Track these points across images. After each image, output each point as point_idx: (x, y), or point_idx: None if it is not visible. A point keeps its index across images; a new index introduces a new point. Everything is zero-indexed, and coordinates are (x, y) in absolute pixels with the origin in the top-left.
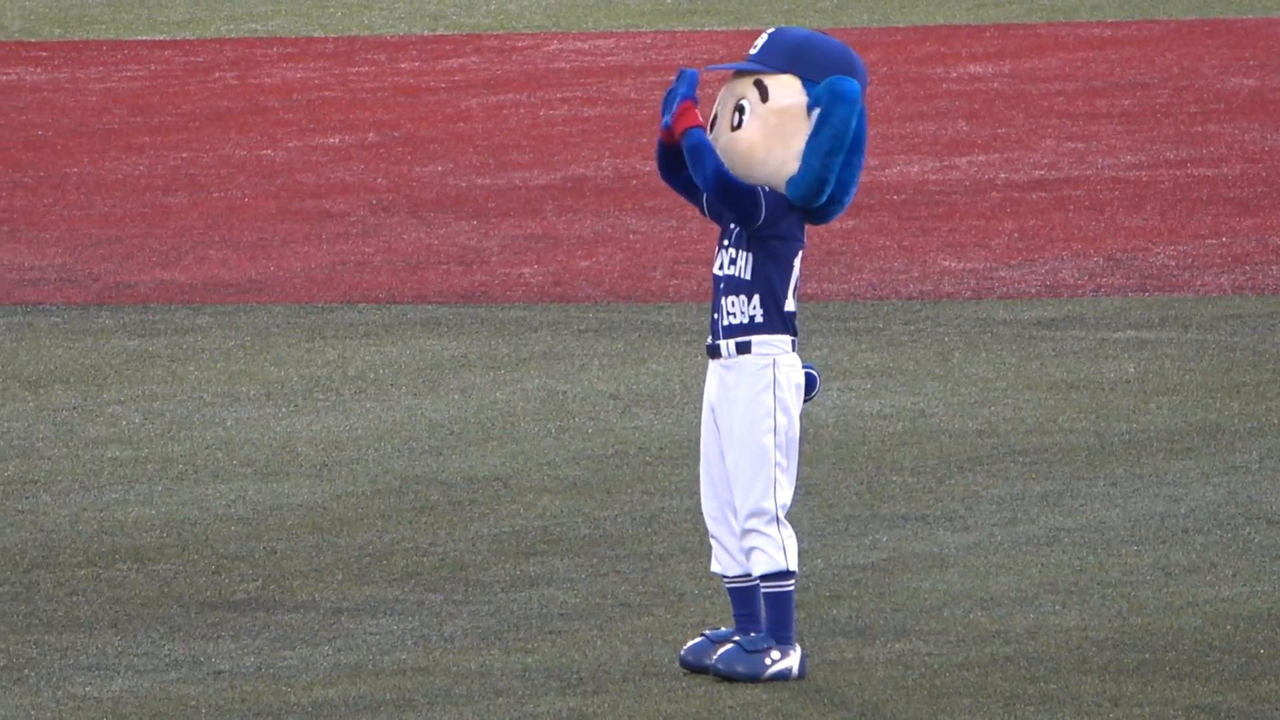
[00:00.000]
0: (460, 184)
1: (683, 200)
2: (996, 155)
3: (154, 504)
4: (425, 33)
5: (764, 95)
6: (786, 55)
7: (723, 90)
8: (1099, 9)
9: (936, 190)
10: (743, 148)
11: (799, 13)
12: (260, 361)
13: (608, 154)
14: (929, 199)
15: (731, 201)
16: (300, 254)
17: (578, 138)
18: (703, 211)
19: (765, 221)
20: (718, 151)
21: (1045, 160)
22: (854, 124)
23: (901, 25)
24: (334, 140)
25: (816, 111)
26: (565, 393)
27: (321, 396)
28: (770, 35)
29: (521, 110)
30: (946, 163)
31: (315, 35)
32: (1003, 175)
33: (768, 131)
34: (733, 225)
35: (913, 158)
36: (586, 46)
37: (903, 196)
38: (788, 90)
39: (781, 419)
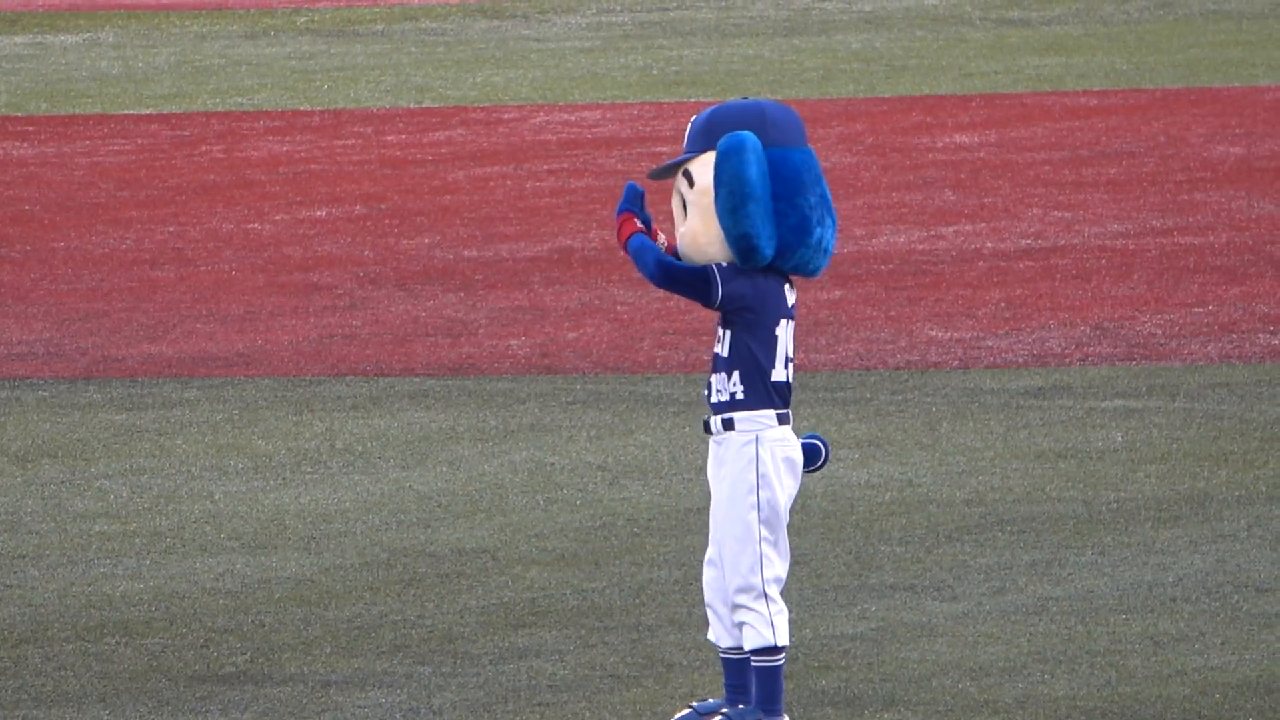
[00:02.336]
0: (447, 256)
1: None
2: (983, 225)
3: (142, 578)
4: (411, 105)
5: (690, 181)
6: (702, 135)
7: (672, 192)
8: (1085, 78)
9: (923, 260)
10: (689, 239)
11: (784, 83)
12: (248, 435)
13: (595, 225)
14: (916, 269)
15: (683, 287)
16: (287, 327)
17: (565, 209)
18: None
19: (725, 296)
20: (678, 247)
21: (1032, 229)
22: (749, 171)
23: (887, 95)
24: (321, 213)
25: None
26: (553, 464)
27: (309, 469)
28: (692, 124)
29: (508, 182)
30: (933, 232)
31: (302, 108)
32: (989, 245)
33: (702, 214)
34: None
35: (899, 227)
36: (573, 118)
37: (890, 266)
38: (705, 167)
39: (764, 494)
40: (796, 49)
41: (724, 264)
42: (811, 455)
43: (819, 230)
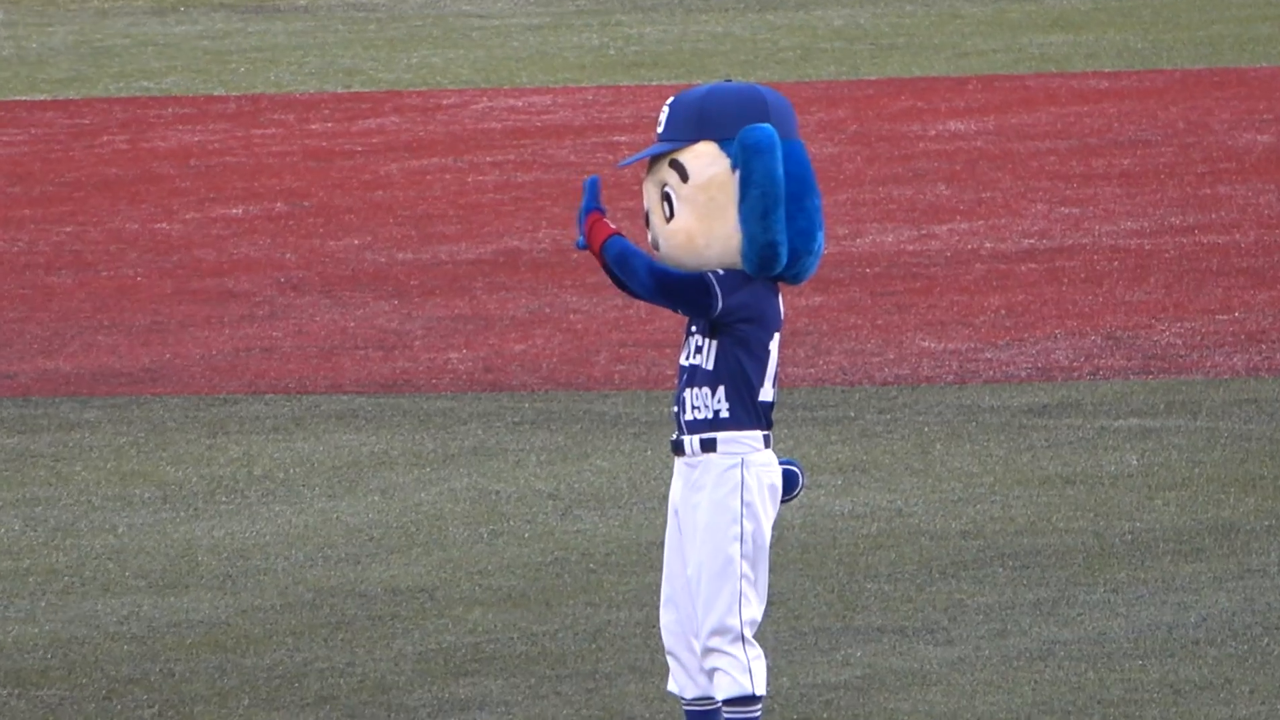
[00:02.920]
0: (379, 259)
1: None
2: (981, 222)
3: (37, 621)
4: (339, 90)
5: (684, 175)
6: (692, 122)
7: (645, 183)
8: (1094, 58)
9: (914, 262)
10: (680, 240)
11: (758, 64)
12: (156, 460)
13: (544, 224)
14: (905, 272)
15: (679, 298)
16: (200, 339)
17: (511, 206)
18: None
19: (726, 308)
20: (659, 250)
21: (1035, 228)
22: (780, 171)
23: (873, 78)
24: (237, 211)
25: (737, 173)
26: (499, 493)
27: (224, 499)
28: (670, 106)
29: (447, 176)
30: (925, 231)
31: (215, 94)
32: (988, 245)
33: (700, 212)
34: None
35: (887, 226)
36: (520, 104)
37: (876, 269)
38: (705, 160)
39: (749, 525)
40: (771, 25)
41: (721, 271)
42: (786, 483)
43: (819, 235)
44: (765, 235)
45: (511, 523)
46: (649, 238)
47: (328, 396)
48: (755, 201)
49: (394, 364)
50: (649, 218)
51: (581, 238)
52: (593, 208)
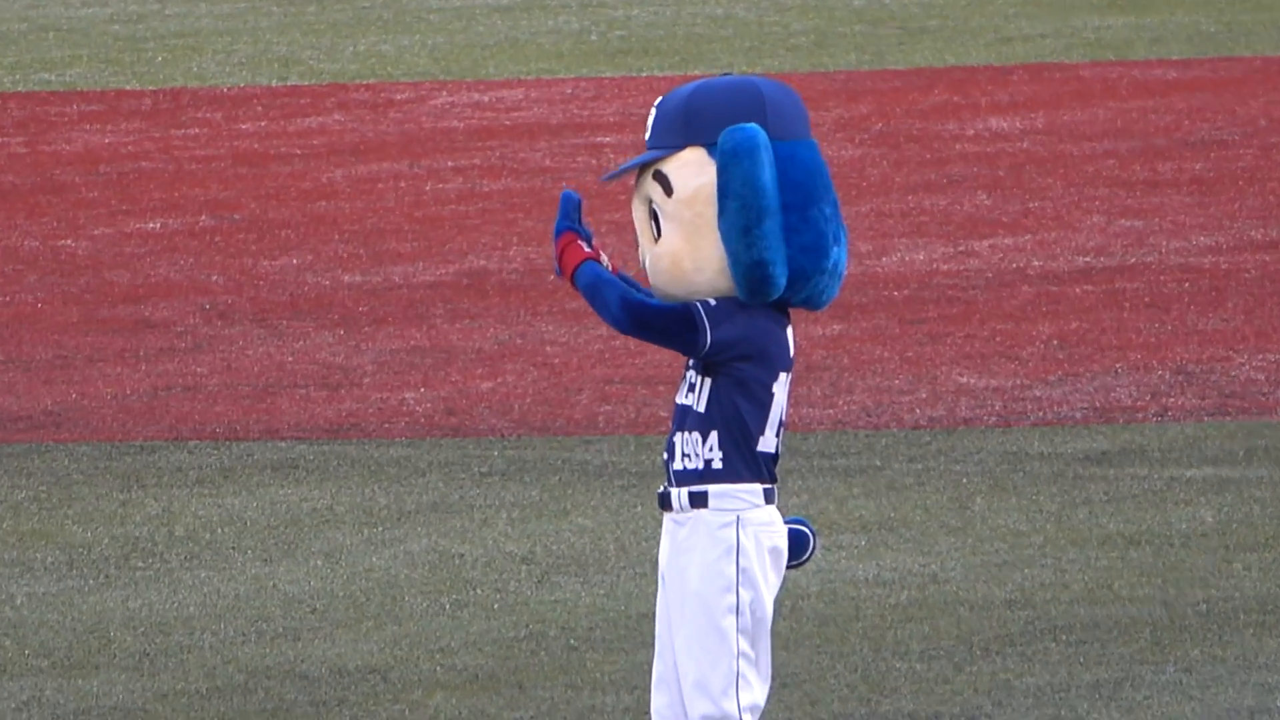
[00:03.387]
0: (322, 282)
1: None
2: (1028, 237)
3: None
4: (274, 83)
5: (668, 187)
6: (678, 125)
7: (633, 199)
8: (1160, 43)
9: (949, 284)
10: (666, 264)
11: (765, 51)
12: (60, 519)
13: (516, 240)
14: (940, 295)
15: (658, 334)
16: (112, 376)
17: (476, 219)
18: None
19: (715, 344)
20: (647, 274)
21: (1092, 243)
22: (765, 177)
23: (901, 67)
24: (154, 225)
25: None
26: (463, 556)
27: (141, 564)
28: (657, 108)
29: (402, 184)
30: (962, 247)
31: (128, 88)
32: (1036, 263)
33: (687, 231)
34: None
35: (917, 241)
36: (486, 99)
37: (905, 292)
38: (690, 169)
39: (745, 594)
40: (780, 6)
41: (712, 300)
42: (796, 545)
43: (835, 250)
44: (750, 254)
45: (478, 591)
46: (640, 262)
47: (262, 443)
48: (734, 215)
49: (340, 405)
50: (640, 239)
51: (555, 262)
52: (566, 227)
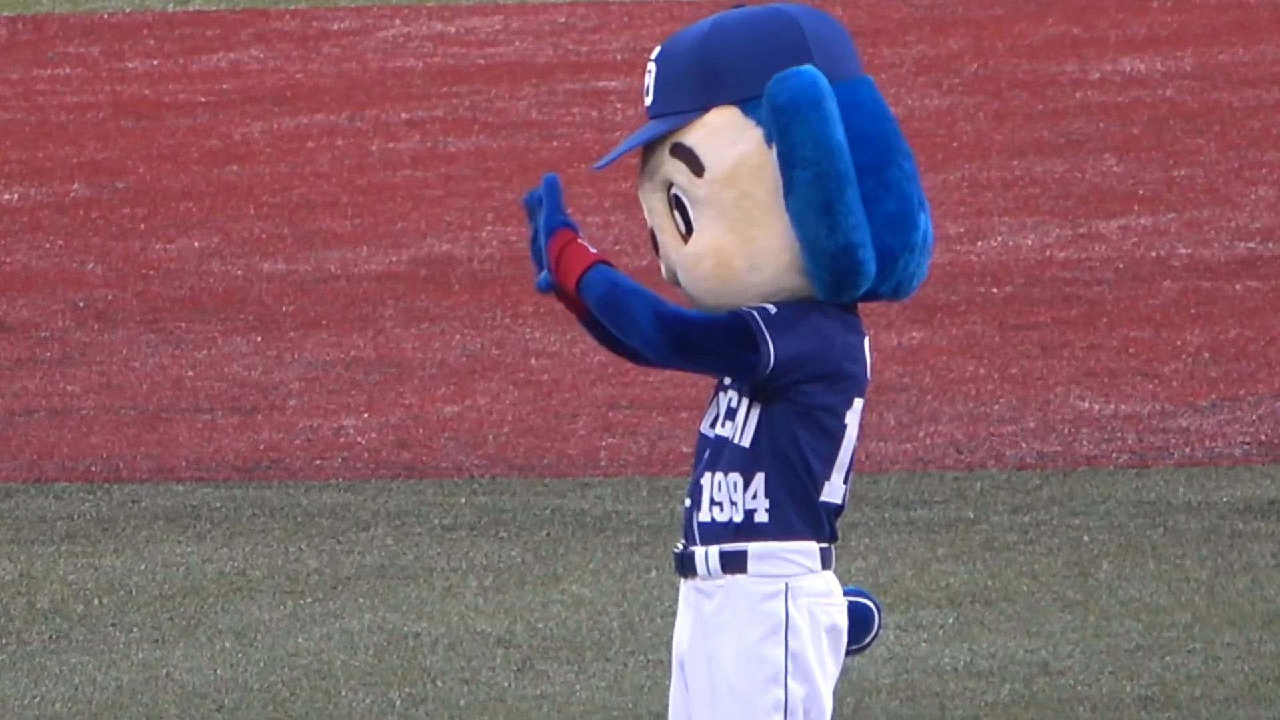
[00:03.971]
0: (233, 272)
1: None
2: (1172, 216)
3: None
4: (170, 8)
5: (695, 165)
6: (695, 80)
7: (641, 189)
8: None
9: (1067, 277)
10: (709, 265)
11: None
12: None
13: (491, 219)
14: (1054, 293)
15: (707, 356)
16: None
17: (438, 190)
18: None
19: (779, 365)
20: (681, 285)
21: (1258, 225)
22: (838, 134)
23: None
24: (10, 197)
25: (773, 149)
26: (418, 637)
27: None
28: (657, 61)
29: (340, 143)
30: (1084, 229)
31: None
32: (1183, 250)
33: (732, 218)
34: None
35: (1025, 221)
36: (452, 30)
37: (1007, 289)
38: (723, 136)
39: (798, 689)
40: None
41: (770, 307)
42: (856, 623)
43: (923, 218)
44: (834, 238)
45: (439, 683)
46: (663, 270)
47: (152, 485)
48: (808, 189)
49: (255, 435)
50: (655, 239)
51: (545, 272)
52: (560, 223)
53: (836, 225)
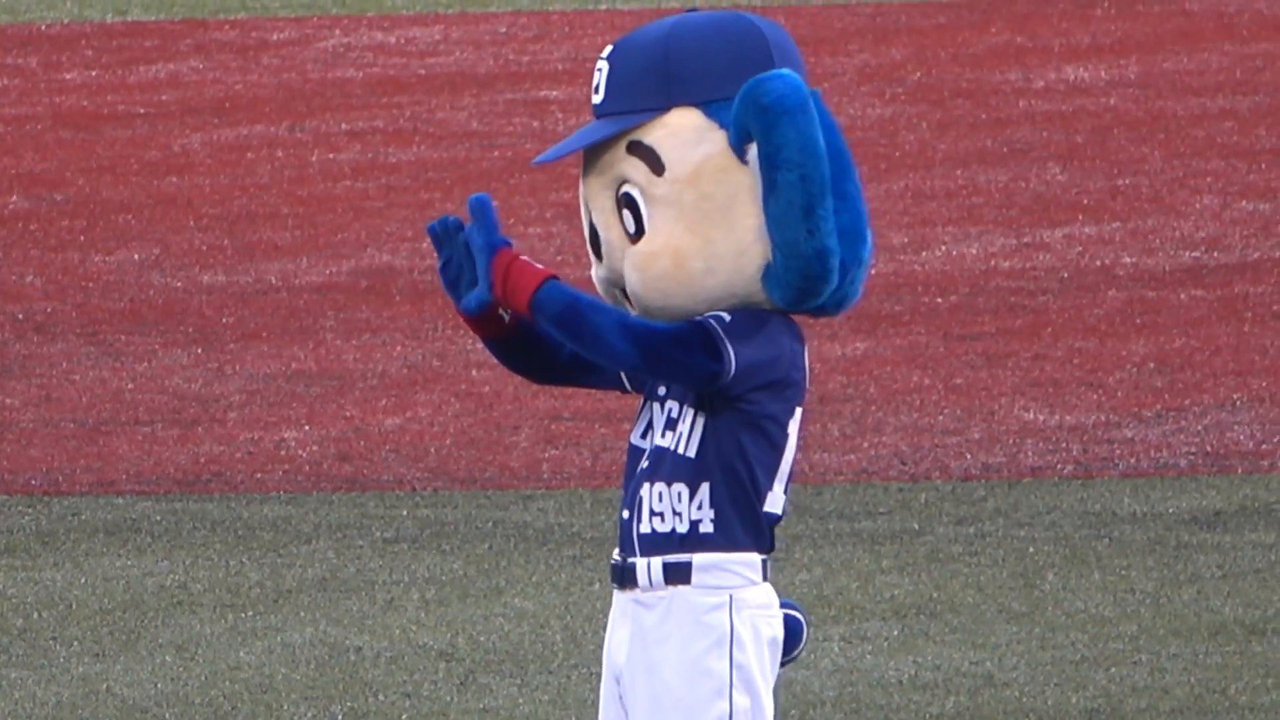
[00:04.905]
0: (172, 283)
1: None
2: (1116, 225)
3: None
4: (109, 18)
5: (655, 164)
6: (656, 80)
7: (584, 188)
8: None
9: (1011, 287)
10: (665, 265)
11: None
12: None
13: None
14: (998, 302)
15: (673, 365)
16: None
17: (378, 201)
18: (626, 388)
19: (741, 369)
20: (630, 289)
21: (1202, 234)
22: (821, 139)
23: None
24: None
25: (752, 150)
26: (360, 650)
27: None
28: (610, 60)
29: (279, 154)
30: (1028, 238)
31: None
32: (1127, 259)
33: (692, 218)
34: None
35: (968, 230)
36: (392, 40)
37: (952, 299)
38: (686, 135)
39: (742, 700)
40: None
41: (725, 315)
42: (788, 635)
43: (870, 233)
44: (812, 241)
45: (381, 698)
46: (596, 271)
47: (92, 499)
48: (792, 191)
49: (196, 447)
50: (597, 241)
51: (484, 292)
52: (501, 241)
53: (816, 229)
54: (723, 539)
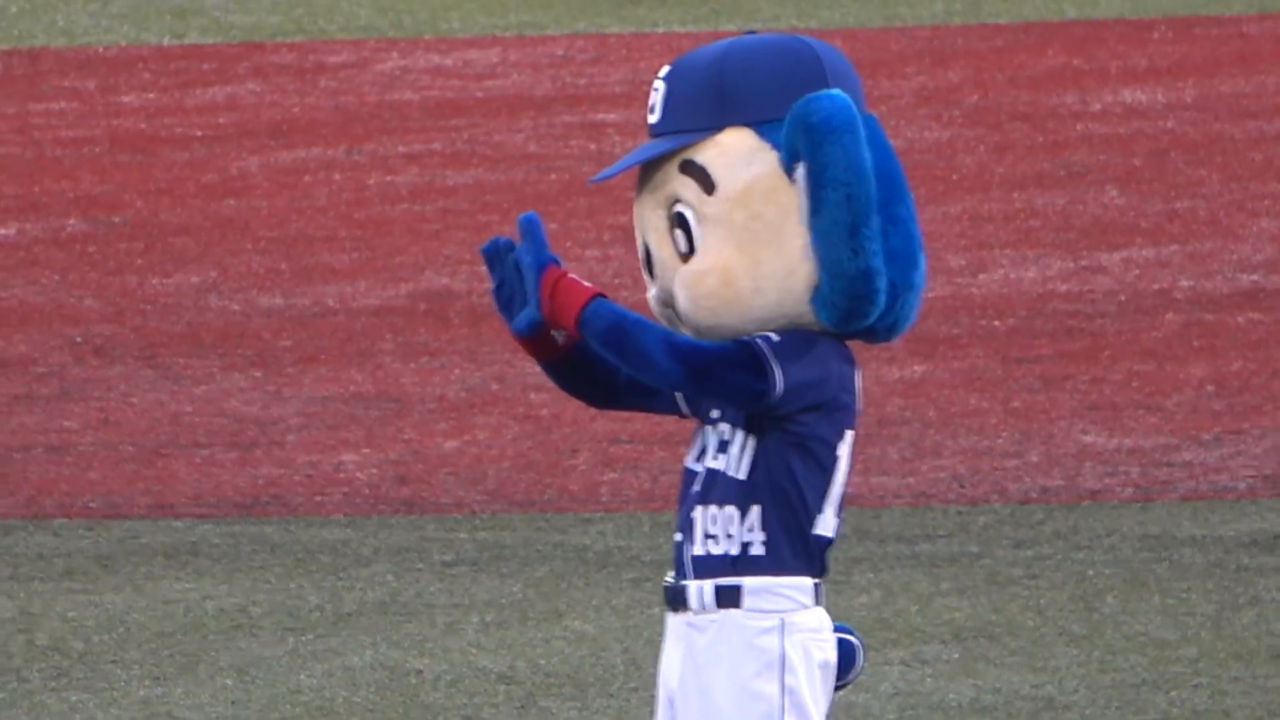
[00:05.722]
0: (231, 306)
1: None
2: (1174, 248)
3: None
4: (167, 41)
5: (707, 183)
6: (710, 99)
7: (637, 207)
8: None
9: (1069, 311)
10: (713, 284)
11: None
12: None
13: None
14: (1056, 326)
15: (719, 385)
16: None
17: (436, 223)
18: (683, 412)
19: (786, 393)
20: (678, 307)
21: (1261, 256)
22: (868, 158)
23: (1004, 20)
24: (6, 231)
25: (800, 169)
26: (420, 673)
27: None
28: (666, 80)
29: (338, 176)
30: (1085, 261)
31: None
32: (1186, 282)
33: (742, 239)
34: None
35: (1026, 254)
36: (450, 63)
37: (1009, 322)
38: (738, 155)
39: None
40: None
41: (773, 335)
42: (842, 659)
43: (922, 259)
44: (856, 262)
45: (441, 719)
46: (650, 293)
47: (151, 521)
48: (837, 210)
49: (255, 470)
50: (650, 260)
51: (535, 311)
52: (549, 259)
53: (860, 249)
54: (773, 562)
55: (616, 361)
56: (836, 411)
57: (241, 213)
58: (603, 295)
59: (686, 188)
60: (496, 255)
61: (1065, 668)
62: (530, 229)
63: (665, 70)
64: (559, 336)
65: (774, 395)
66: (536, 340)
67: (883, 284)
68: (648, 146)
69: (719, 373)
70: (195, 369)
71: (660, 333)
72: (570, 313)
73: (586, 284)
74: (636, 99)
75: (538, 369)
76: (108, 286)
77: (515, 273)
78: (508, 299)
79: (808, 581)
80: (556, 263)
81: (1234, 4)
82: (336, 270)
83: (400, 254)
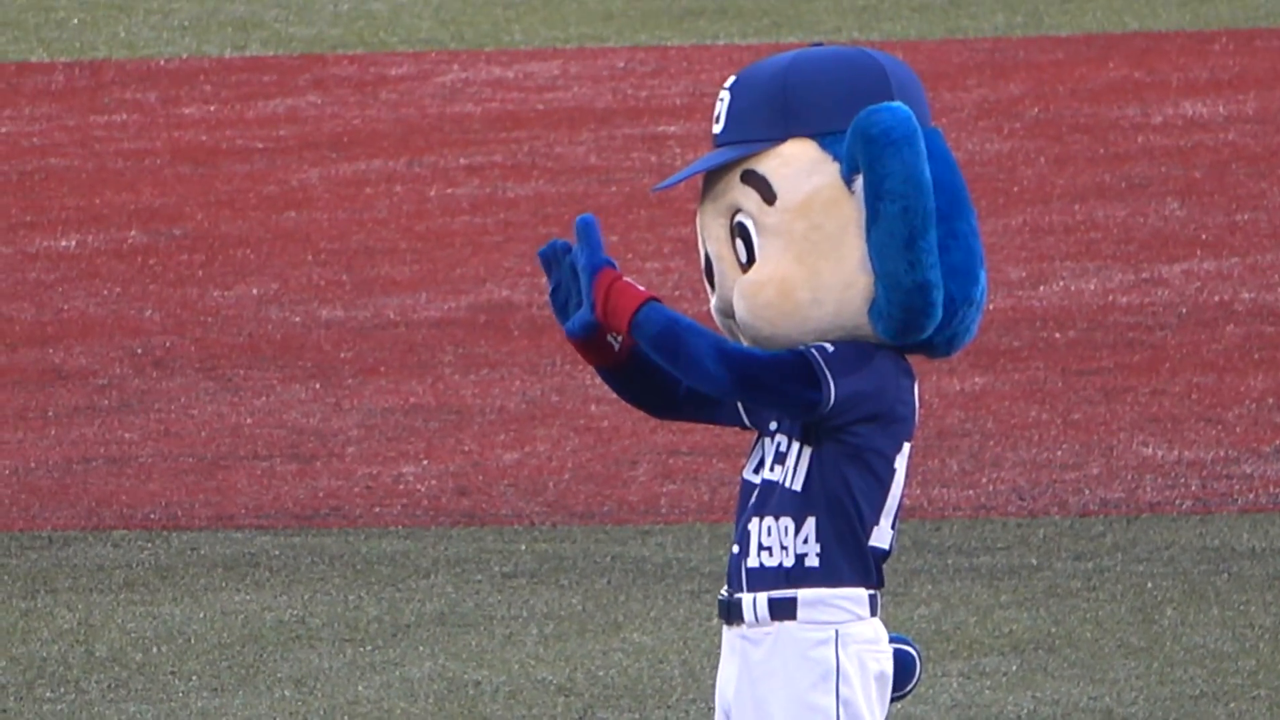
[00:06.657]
0: (291, 318)
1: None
2: (1235, 261)
3: None
4: (228, 53)
5: (767, 193)
6: (774, 110)
7: (701, 215)
8: None
9: (1130, 322)
10: (771, 294)
11: (884, 11)
12: None
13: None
14: (1117, 338)
15: (770, 393)
16: (11, 444)
17: (497, 235)
18: (744, 424)
19: (838, 403)
20: (736, 315)
21: None
22: (927, 172)
23: (1065, 33)
24: (67, 244)
25: (859, 181)
26: (479, 685)
27: (49, 693)
28: (732, 91)
29: (399, 188)
30: (1146, 273)
31: (32, 59)
32: (1247, 295)
33: (801, 249)
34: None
35: (1086, 265)
36: (512, 75)
37: (1070, 334)
38: (799, 166)
39: None
40: None
41: (828, 345)
42: (900, 670)
43: (982, 274)
44: (913, 274)
45: None
46: (712, 302)
47: (211, 533)
48: (894, 222)
49: (315, 482)
50: (711, 269)
51: (588, 313)
52: (603, 261)
53: (917, 262)
54: (828, 574)
55: (667, 366)
56: (893, 424)
57: (302, 225)
58: (656, 299)
59: (747, 197)
60: (554, 258)
61: (1124, 680)
62: (586, 231)
63: (731, 81)
64: (614, 341)
65: (826, 405)
66: (591, 343)
67: (939, 297)
68: (711, 156)
69: (769, 381)
70: (255, 381)
71: (712, 339)
72: (623, 316)
73: (641, 288)
74: (697, 111)
75: (598, 380)
76: (168, 298)
77: (571, 275)
78: (564, 301)
79: (863, 593)
80: (611, 265)
81: None
82: (397, 282)
83: (461, 266)
